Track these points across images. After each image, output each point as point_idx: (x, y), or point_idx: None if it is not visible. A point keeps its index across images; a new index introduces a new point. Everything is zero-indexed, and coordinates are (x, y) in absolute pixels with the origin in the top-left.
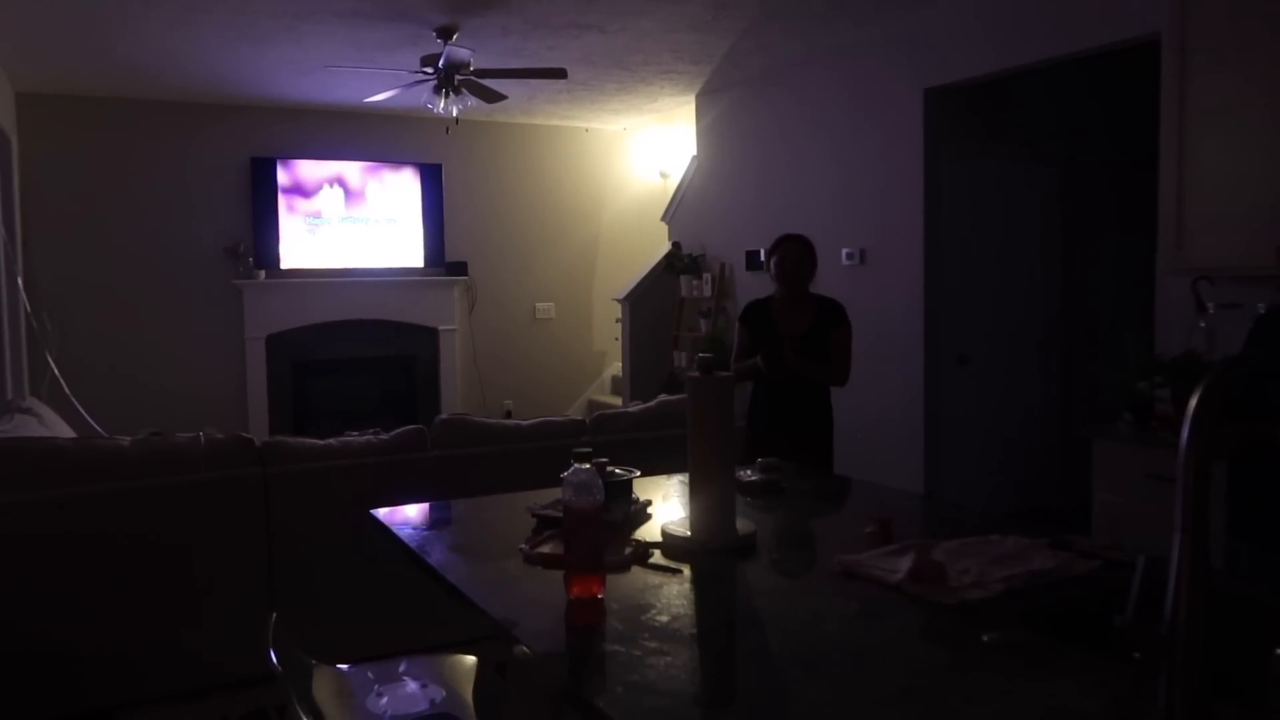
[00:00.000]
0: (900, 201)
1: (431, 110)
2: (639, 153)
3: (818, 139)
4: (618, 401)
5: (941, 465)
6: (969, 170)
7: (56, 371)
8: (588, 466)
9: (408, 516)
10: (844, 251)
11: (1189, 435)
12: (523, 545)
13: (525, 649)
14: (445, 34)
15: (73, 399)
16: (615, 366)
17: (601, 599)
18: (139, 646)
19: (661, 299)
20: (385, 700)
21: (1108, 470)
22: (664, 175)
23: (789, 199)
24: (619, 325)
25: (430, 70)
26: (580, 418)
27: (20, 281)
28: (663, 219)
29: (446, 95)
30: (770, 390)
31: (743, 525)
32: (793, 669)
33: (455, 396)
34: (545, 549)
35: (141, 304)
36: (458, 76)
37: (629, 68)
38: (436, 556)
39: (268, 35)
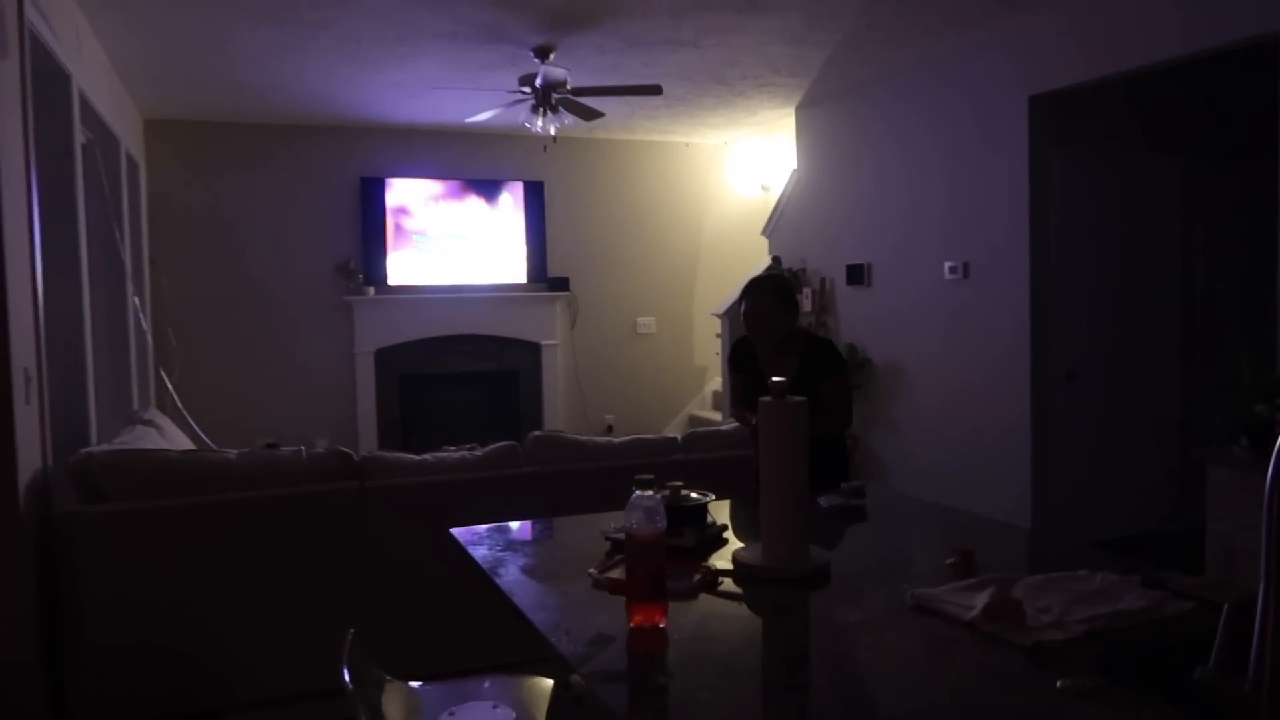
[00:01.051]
0: (1005, 213)
1: (529, 129)
2: (740, 166)
3: (918, 150)
4: (718, 416)
5: (1050, 489)
6: (1078, 179)
7: (170, 385)
8: (650, 493)
9: (486, 535)
10: (946, 265)
11: (1274, 473)
12: (592, 570)
13: (579, 678)
14: (542, 54)
15: (185, 413)
16: (716, 381)
17: (664, 627)
18: (242, 652)
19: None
20: (455, 718)
21: (1222, 498)
22: (765, 189)
23: (889, 211)
24: (719, 340)
25: (528, 89)
26: (675, 435)
27: (135, 300)
28: (763, 233)
29: (544, 114)
30: None
31: (817, 554)
32: (851, 710)
33: (557, 411)
34: (614, 574)
35: (257, 319)
36: (554, 95)
37: (726, 82)
38: (506, 577)
39: (372, 59)
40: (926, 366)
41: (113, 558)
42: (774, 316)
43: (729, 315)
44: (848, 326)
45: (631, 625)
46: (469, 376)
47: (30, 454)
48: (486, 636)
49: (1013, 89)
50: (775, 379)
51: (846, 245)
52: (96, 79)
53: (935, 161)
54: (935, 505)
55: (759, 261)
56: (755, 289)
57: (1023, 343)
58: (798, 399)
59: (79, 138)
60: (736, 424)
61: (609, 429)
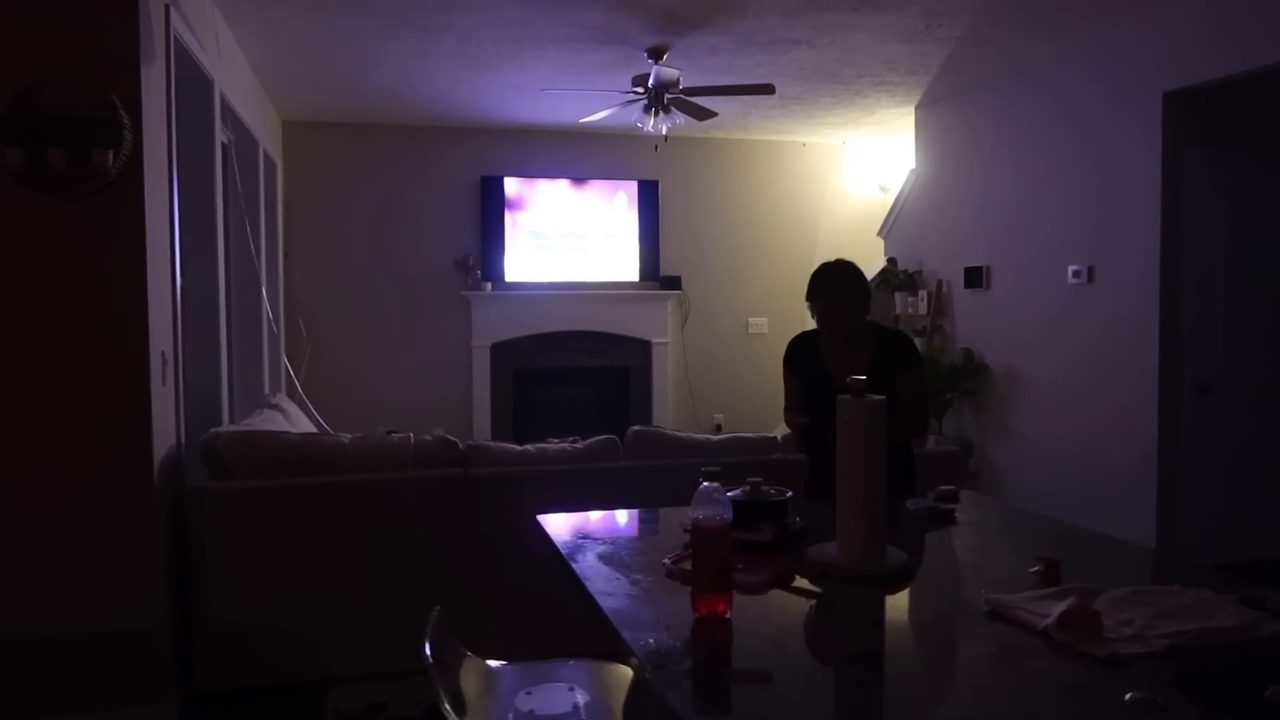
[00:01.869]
0: (1134, 214)
1: (641, 129)
2: (858, 166)
3: (1042, 148)
4: None
5: (1178, 508)
6: (1215, 179)
7: (294, 373)
8: (717, 485)
9: (572, 523)
10: (1070, 269)
11: None
12: (666, 560)
13: (639, 662)
14: (656, 54)
15: (305, 399)
16: None
17: (729, 618)
18: (348, 627)
19: (876, 316)
20: (532, 698)
21: None
22: (883, 189)
23: (1011, 212)
24: None
25: (641, 90)
26: (776, 435)
27: (264, 291)
28: (879, 234)
29: (656, 114)
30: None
31: (894, 555)
32: (907, 710)
33: (667, 408)
34: (686, 564)
35: (381, 312)
36: (667, 95)
37: (842, 81)
38: (582, 564)
39: (492, 61)
40: (1047, 374)
41: (235, 532)
42: (855, 312)
43: None
44: (964, 330)
45: (697, 615)
46: (581, 372)
47: (165, 432)
48: (580, 623)
49: (1146, 84)
50: (854, 377)
51: (965, 247)
52: (238, 83)
53: (1060, 160)
54: (1031, 514)
55: (875, 263)
56: (833, 282)
57: (1151, 351)
58: (876, 397)
59: (219, 138)
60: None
61: (718, 428)
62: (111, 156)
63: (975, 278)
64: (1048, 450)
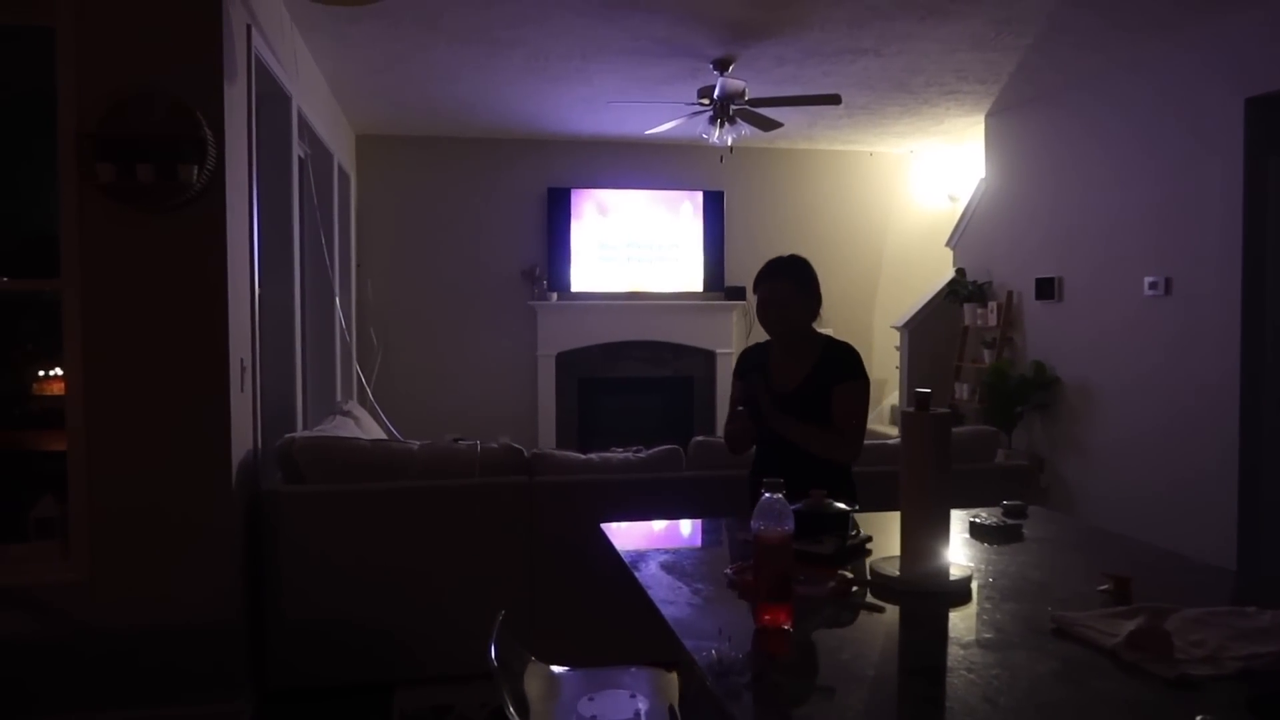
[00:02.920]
0: (1214, 224)
1: (707, 140)
2: (926, 176)
3: (1117, 157)
4: (895, 432)
5: (1261, 529)
6: None
7: (362, 378)
8: (779, 496)
9: (636, 532)
10: (1146, 280)
11: None
12: (728, 569)
13: (700, 669)
14: (722, 66)
15: (376, 406)
16: (894, 396)
17: (789, 630)
18: (414, 631)
19: (944, 328)
20: (593, 704)
21: None
22: (952, 199)
23: (1084, 222)
24: (899, 353)
25: (706, 101)
26: None
27: (338, 300)
28: (948, 244)
29: (721, 125)
30: (769, 469)
31: (958, 569)
32: None
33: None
34: (748, 575)
35: (450, 321)
36: (733, 106)
37: (910, 90)
38: (645, 572)
39: (560, 75)
40: (1122, 388)
41: (307, 534)
42: (793, 307)
43: (908, 328)
44: (1035, 343)
45: (757, 625)
46: (644, 382)
47: (243, 436)
48: (641, 630)
49: (1226, 91)
50: (920, 389)
51: (1036, 258)
52: (314, 98)
53: (1136, 170)
54: (1102, 531)
55: (943, 274)
56: (774, 273)
57: (1232, 364)
58: (935, 413)
59: (296, 152)
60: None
61: None
62: (196, 171)
63: (1047, 289)
64: (1122, 466)
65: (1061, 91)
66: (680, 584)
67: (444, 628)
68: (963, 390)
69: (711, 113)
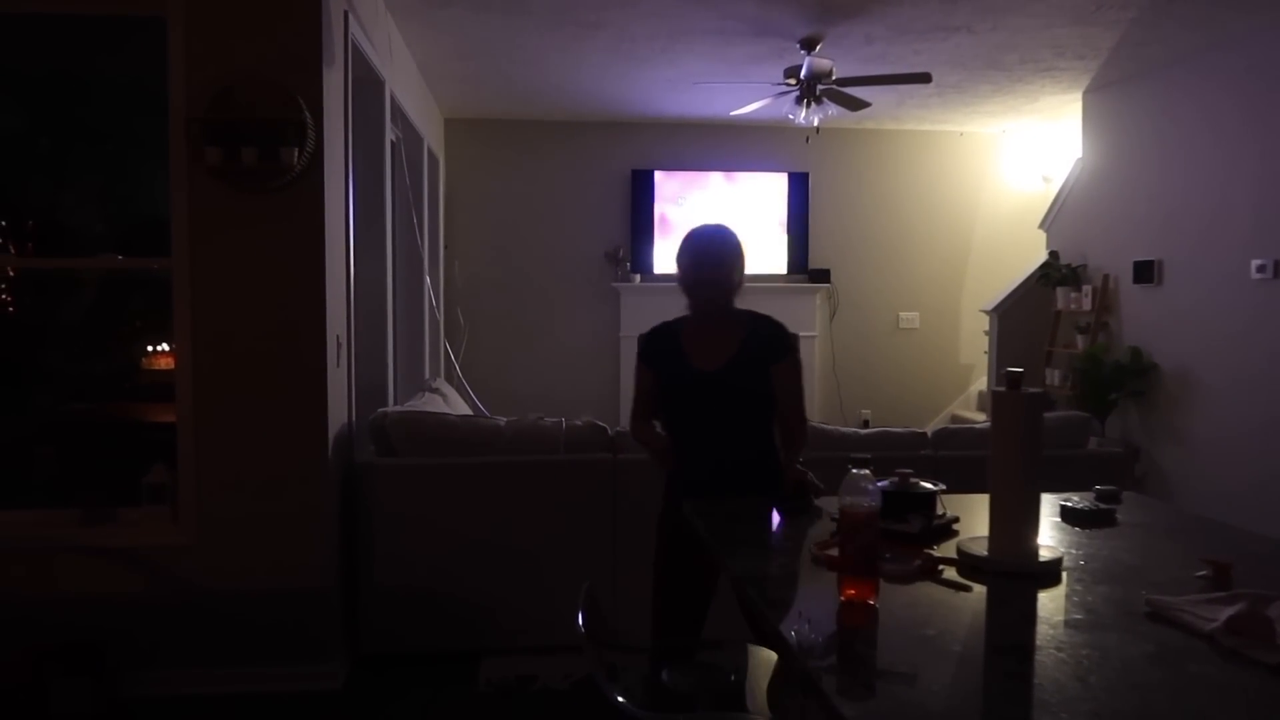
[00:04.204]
0: None
1: (792, 121)
2: (1018, 156)
3: (1225, 136)
4: (982, 417)
5: None
6: None
7: (455, 360)
8: (866, 473)
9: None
10: (1254, 264)
11: None
12: (813, 546)
13: (788, 640)
14: (809, 45)
15: (465, 383)
16: (982, 381)
17: (874, 604)
18: (501, 601)
19: (1035, 312)
20: (680, 676)
21: None
22: (1046, 180)
23: (1187, 203)
24: (987, 338)
25: (793, 81)
26: (921, 430)
27: (427, 280)
28: (1041, 226)
29: (808, 105)
30: (697, 463)
31: (1048, 551)
32: (1052, 705)
33: (813, 401)
34: (832, 551)
35: (534, 301)
36: (819, 86)
37: (1004, 67)
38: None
39: (645, 56)
40: (1225, 375)
41: (398, 506)
42: (734, 280)
43: (997, 312)
44: (1132, 328)
45: (842, 598)
46: None
47: (338, 410)
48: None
49: None
50: (1011, 369)
51: (1135, 240)
52: (405, 82)
53: (1246, 148)
54: (1200, 517)
55: (1035, 257)
56: (713, 242)
57: None
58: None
59: (389, 136)
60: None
61: (865, 423)
62: (297, 154)
63: (1145, 272)
64: (1223, 456)
65: (1164, 67)
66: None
67: (529, 599)
68: (1054, 376)
69: (798, 93)
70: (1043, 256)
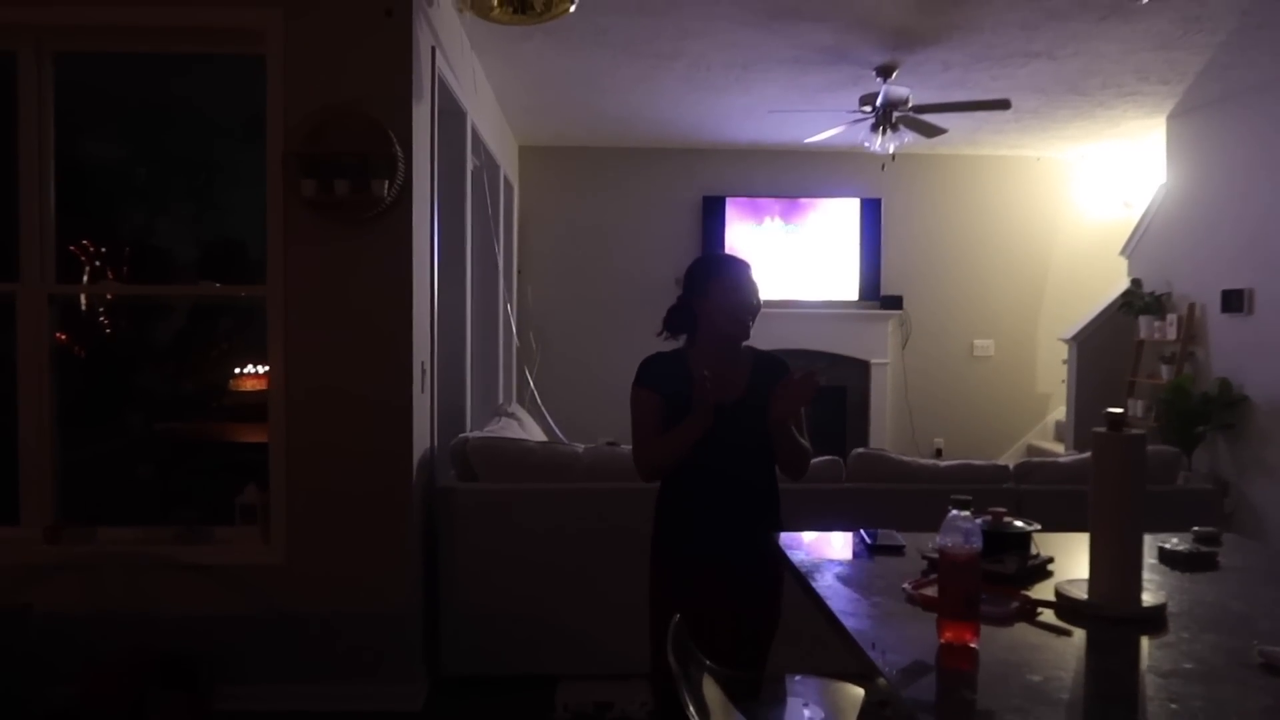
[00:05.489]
0: None
1: (868, 148)
2: (1098, 181)
3: None
4: (1060, 449)
5: None
6: None
7: (532, 384)
8: (966, 514)
9: (806, 542)
10: None
11: None
12: (906, 585)
13: (884, 681)
14: (885, 72)
15: (543, 410)
16: (1059, 411)
17: (974, 648)
18: (578, 627)
19: (1116, 341)
20: (770, 712)
21: None
22: (1127, 205)
23: (1277, 229)
24: (1065, 367)
25: (869, 109)
26: (1008, 463)
27: (508, 306)
28: (1122, 253)
29: (884, 132)
30: (701, 491)
31: (1151, 596)
32: None
33: (884, 430)
34: (928, 590)
35: (604, 326)
36: (896, 113)
37: (1084, 92)
38: (822, 582)
39: (720, 85)
40: None
41: (479, 530)
42: (756, 299)
43: (1077, 340)
44: (1221, 358)
45: (942, 641)
46: None
47: (422, 435)
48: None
49: None
50: (1111, 410)
51: (1223, 267)
52: (484, 112)
53: None
54: None
55: (1116, 284)
56: (745, 267)
57: None
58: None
59: (470, 164)
60: (1079, 455)
61: (938, 452)
62: (387, 186)
63: (1235, 301)
64: None
65: (1255, 90)
66: (858, 596)
67: (606, 627)
68: (1137, 408)
69: (874, 120)
70: (1124, 284)
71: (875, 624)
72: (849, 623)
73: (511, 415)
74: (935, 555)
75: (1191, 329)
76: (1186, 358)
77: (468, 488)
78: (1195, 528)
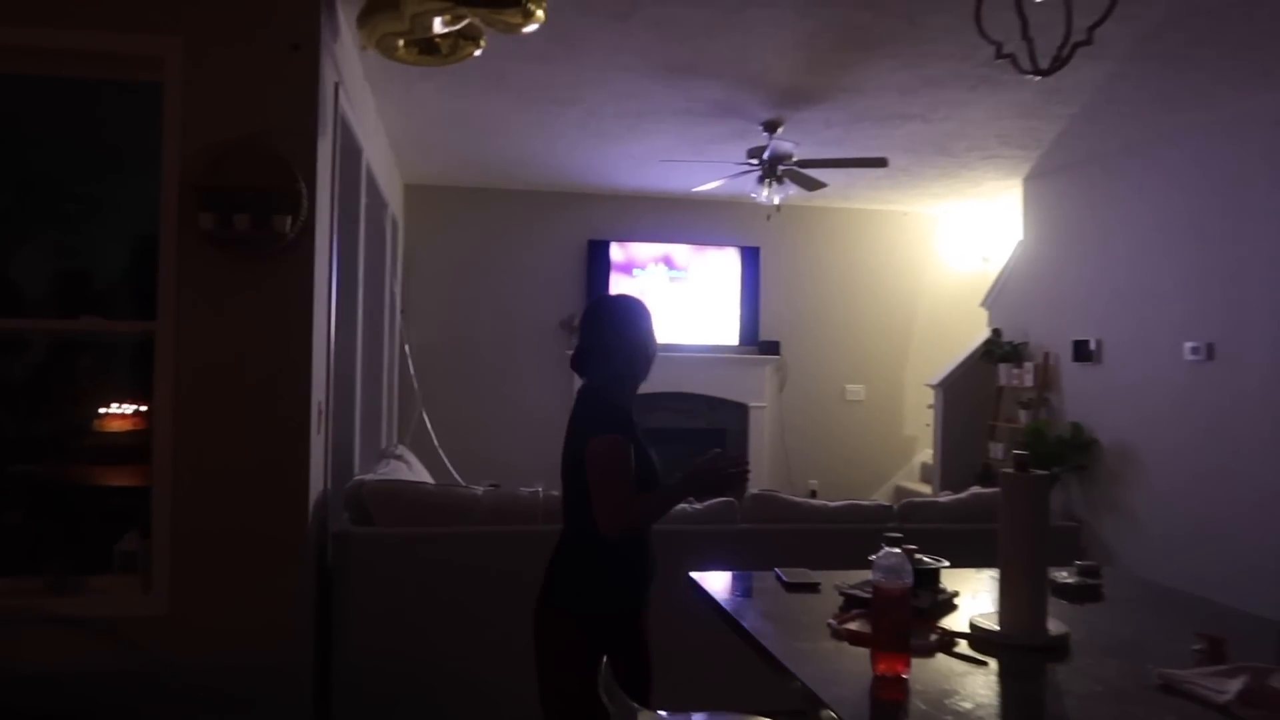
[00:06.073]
0: (1258, 291)
1: (755, 199)
2: (960, 237)
3: (1159, 223)
4: (926, 489)
5: None
6: None
7: (430, 425)
8: (898, 551)
9: (720, 583)
10: (1188, 345)
11: None
12: (831, 620)
13: (833, 714)
14: (771, 127)
15: (440, 451)
16: (925, 453)
17: (906, 679)
18: (483, 674)
19: (978, 387)
20: None
21: None
22: (985, 260)
23: (1124, 286)
24: (931, 411)
25: (755, 161)
26: (887, 503)
27: (388, 347)
28: (983, 304)
29: (769, 184)
30: (645, 549)
31: (1055, 626)
32: None
33: (762, 472)
34: (853, 626)
35: (488, 368)
36: (780, 167)
37: (952, 154)
38: (749, 622)
39: (614, 133)
40: (1162, 451)
41: (375, 576)
42: None
43: (943, 387)
44: (1072, 404)
45: (876, 673)
46: (677, 433)
47: (317, 478)
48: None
49: (1261, 162)
50: (1019, 451)
51: (1073, 319)
52: (376, 151)
53: (1178, 236)
54: (1176, 591)
55: (977, 333)
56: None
57: (1271, 430)
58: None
59: (364, 202)
60: (956, 496)
61: (813, 493)
62: (290, 222)
63: (1084, 351)
64: (1164, 529)
65: (1103, 158)
66: (787, 633)
67: (511, 671)
68: (997, 450)
69: (760, 173)
70: (985, 333)
71: (808, 660)
72: (784, 660)
73: (399, 457)
74: (854, 592)
75: (1046, 376)
76: (1042, 403)
77: (365, 532)
78: (1078, 562)
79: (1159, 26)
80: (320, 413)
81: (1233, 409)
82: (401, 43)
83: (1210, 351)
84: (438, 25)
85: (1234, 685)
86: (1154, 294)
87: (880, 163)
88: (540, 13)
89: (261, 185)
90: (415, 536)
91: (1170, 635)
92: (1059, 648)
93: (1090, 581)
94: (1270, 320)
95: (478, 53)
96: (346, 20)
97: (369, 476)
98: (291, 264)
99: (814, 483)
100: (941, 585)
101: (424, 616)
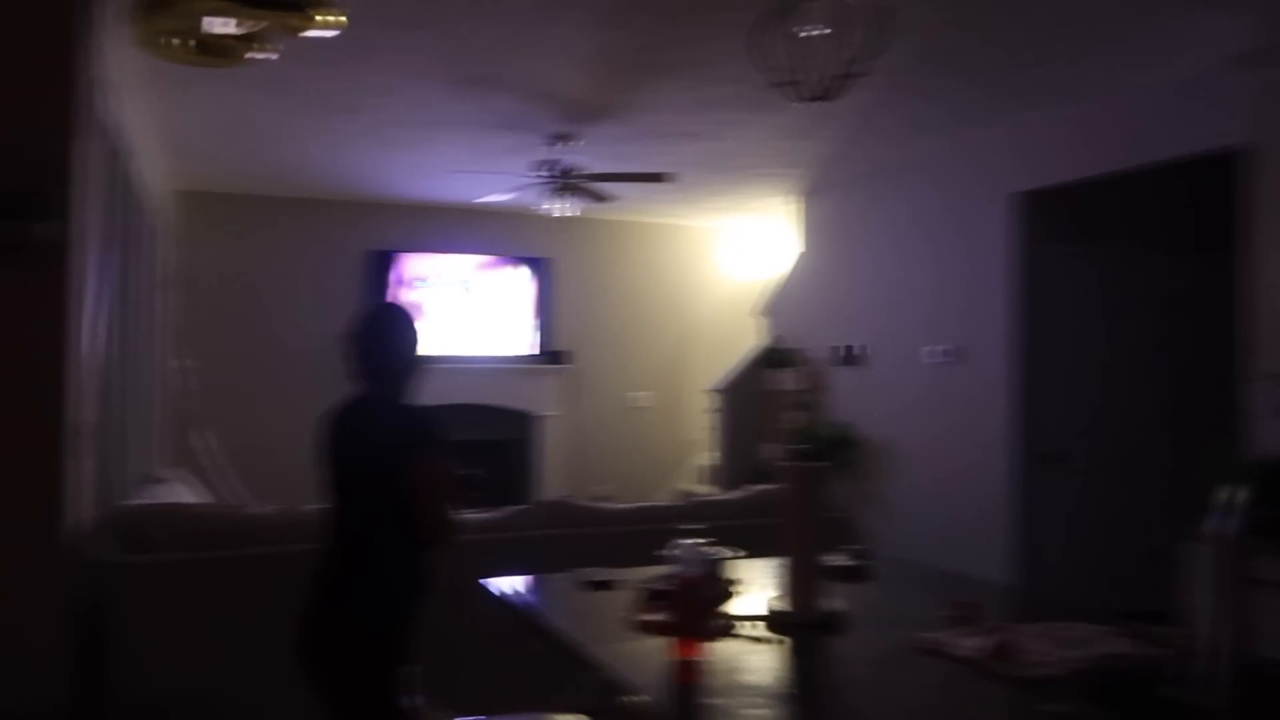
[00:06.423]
0: (986, 302)
1: (544, 210)
2: (739, 248)
3: (906, 240)
4: (707, 490)
5: (1037, 568)
6: (1065, 271)
7: (214, 445)
8: (695, 542)
9: (517, 586)
10: (934, 349)
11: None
12: (631, 614)
13: (643, 698)
14: (562, 140)
15: (221, 469)
16: (706, 456)
17: (702, 660)
18: (264, 704)
19: (756, 391)
20: None
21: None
22: (761, 271)
23: (882, 296)
24: (710, 415)
25: (546, 173)
26: (674, 503)
27: (156, 362)
28: (762, 313)
29: (559, 196)
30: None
31: (833, 603)
32: None
33: (557, 478)
34: (651, 617)
35: (268, 383)
36: (569, 179)
37: (732, 170)
38: (549, 621)
39: (401, 142)
40: (915, 446)
41: (149, 609)
42: None
43: (721, 392)
44: (841, 405)
45: (676, 658)
46: (465, 445)
47: (76, 504)
48: (507, 682)
49: (993, 186)
50: (800, 446)
51: (841, 326)
52: (145, 154)
53: (920, 252)
54: (934, 568)
55: (750, 340)
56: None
57: (1005, 425)
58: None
59: (131, 209)
60: (743, 494)
61: (605, 497)
62: (46, 229)
63: (850, 355)
64: (916, 517)
65: (864, 179)
66: (587, 629)
67: (295, 699)
68: (772, 451)
69: (549, 184)
70: (763, 340)
71: (611, 652)
72: (587, 653)
73: (172, 480)
74: (654, 586)
75: (817, 380)
76: (814, 405)
77: (136, 561)
78: (852, 545)
79: (910, 59)
80: (78, 435)
81: (967, 405)
82: (177, 41)
83: (950, 355)
84: (216, 25)
85: (984, 643)
86: (905, 304)
87: (658, 177)
88: (333, 19)
89: (13, 190)
90: (194, 562)
91: (927, 606)
92: (834, 624)
93: (860, 563)
94: (994, 326)
95: (270, 56)
96: (114, 16)
97: (141, 501)
98: (49, 274)
99: (604, 488)
100: (734, 574)
101: (204, 649)
